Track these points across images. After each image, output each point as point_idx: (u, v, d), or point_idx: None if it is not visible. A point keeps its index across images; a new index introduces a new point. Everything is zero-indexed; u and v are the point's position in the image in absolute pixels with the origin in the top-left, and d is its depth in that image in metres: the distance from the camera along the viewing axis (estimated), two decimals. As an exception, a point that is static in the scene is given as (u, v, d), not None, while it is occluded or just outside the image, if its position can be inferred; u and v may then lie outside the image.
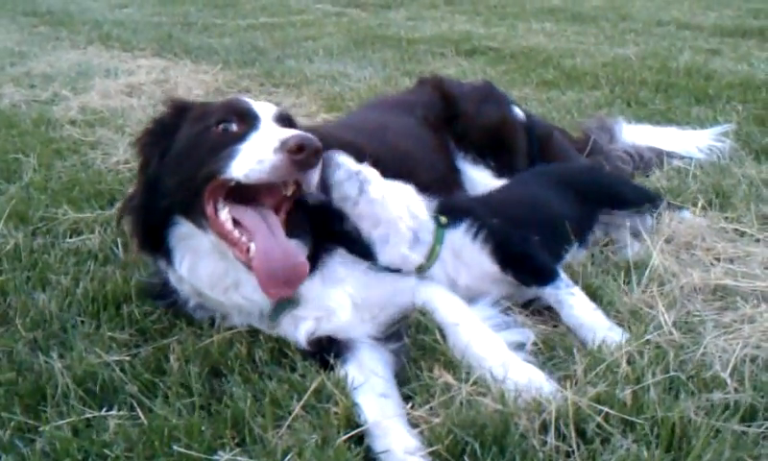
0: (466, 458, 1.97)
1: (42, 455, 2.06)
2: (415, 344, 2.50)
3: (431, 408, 2.16)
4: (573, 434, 2.00)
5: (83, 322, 2.73)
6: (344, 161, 2.61)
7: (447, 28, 9.83)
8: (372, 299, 2.60)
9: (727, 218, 3.34)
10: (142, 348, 2.59)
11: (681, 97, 5.88)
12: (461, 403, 2.13)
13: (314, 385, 2.26)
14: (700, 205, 3.42)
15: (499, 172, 3.56)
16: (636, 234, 3.15)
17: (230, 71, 7.16)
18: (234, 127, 2.46)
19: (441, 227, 2.69)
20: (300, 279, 2.33)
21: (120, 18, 10.94)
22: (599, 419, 2.05)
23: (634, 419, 2.05)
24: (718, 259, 2.98)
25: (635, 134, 4.43)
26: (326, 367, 2.41)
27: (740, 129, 4.77)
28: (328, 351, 2.46)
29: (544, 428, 2.03)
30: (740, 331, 2.44)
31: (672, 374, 2.24)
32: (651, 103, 5.69)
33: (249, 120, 2.47)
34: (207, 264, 2.52)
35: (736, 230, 3.25)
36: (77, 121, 5.40)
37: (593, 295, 2.74)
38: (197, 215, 2.43)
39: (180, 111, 2.65)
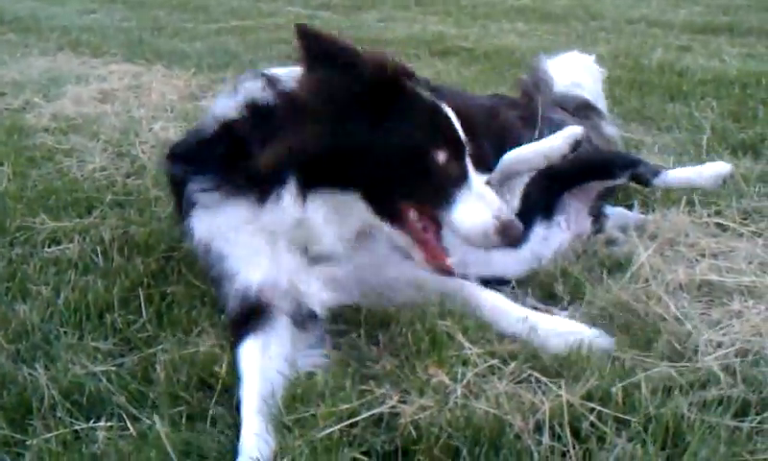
0: (461, 460, 1.96)
1: (31, 469, 2.02)
2: (407, 343, 2.49)
3: (424, 408, 2.14)
4: (568, 434, 2.00)
5: (65, 332, 2.68)
6: None
7: (420, 29, 9.82)
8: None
9: (709, 214, 3.36)
10: (127, 357, 2.55)
11: (655, 94, 5.92)
12: (455, 403, 2.12)
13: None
14: (684, 201, 3.43)
15: None
16: (622, 230, 3.17)
17: (204, 75, 7.08)
18: (448, 158, 2.45)
19: None
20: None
21: (88, 24, 10.79)
22: (592, 418, 2.05)
23: (627, 417, 2.06)
24: (703, 255, 2.99)
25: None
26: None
27: (716, 124, 4.81)
28: None
29: (539, 428, 2.03)
30: (729, 327, 2.45)
31: (663, 370, 2.25)
32: (626, 101, 5.71)
33: (459, 152, 2.50)
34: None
35: (719, 224, 3.27)
36: (50, 128, 5.30)
37: (578, 290, 2.77)
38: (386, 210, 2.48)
39: (390, 82, 2.41)
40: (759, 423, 2.06)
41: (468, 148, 2.55)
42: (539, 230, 3.02)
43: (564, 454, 1.98)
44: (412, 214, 2.47)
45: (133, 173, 4.32)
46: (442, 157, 2.43)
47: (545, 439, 2.00)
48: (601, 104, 4.27)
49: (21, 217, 3.59)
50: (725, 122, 4.92)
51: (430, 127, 2.46)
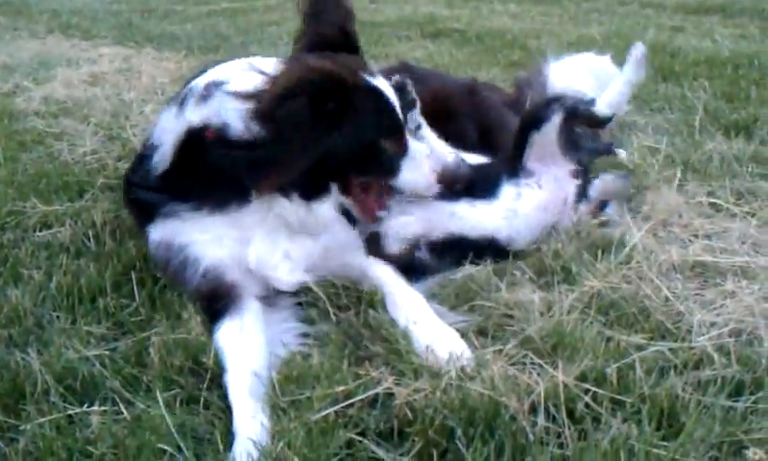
0: (456, 441, 1.95)
1: (25, 454, 2.01)
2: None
3: (419, 390, 2.13)
4: (564, 415, 2.00)
5: (58, 317, 2.66)
6: None
7: (411, 10, 9.81)
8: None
9: (702, 194, 3.36)
10: (120, 341, 2.54)
11: (647, 75, 5.88)
12: (450, 385, 2.11)
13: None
14: (677, 181, 3.43)
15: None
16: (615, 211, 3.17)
17: (194, 58, 7.05)
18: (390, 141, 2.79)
19: None
20: None
21: (79, 7, 10.76)
22: (587, 398, 2.05)
23: (622, 397, 2.06)
24: (696, 236, 2.99)
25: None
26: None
27: (708, 105, 4.80)
28: None
29: (534, 410, 2.03)
30: (723, 307, 2.46)
31: (658, 350, 2.25)
32: (618, 81, 5.68)
33: (399, 133, 2.82)
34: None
35: (712, 204, 3.27)
36: (40, 112, 5.28)
37: (568, 271, 2.76)
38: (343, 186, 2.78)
39: (346, 95, 2.61)
40: (754, 403, 2.06)
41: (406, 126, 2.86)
42: (509, 188, 3.03)
43: (559, 435, 1.98)
44: (354, 183, 2.79)
45: (124, 156, 4.27)
46: (386, 142, 2.77)
47: (540, 420, 1.99)
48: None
49: (12, 201, 3.56)
50: (717, 102, 4.91)
51: (376, 120, 2.74)
